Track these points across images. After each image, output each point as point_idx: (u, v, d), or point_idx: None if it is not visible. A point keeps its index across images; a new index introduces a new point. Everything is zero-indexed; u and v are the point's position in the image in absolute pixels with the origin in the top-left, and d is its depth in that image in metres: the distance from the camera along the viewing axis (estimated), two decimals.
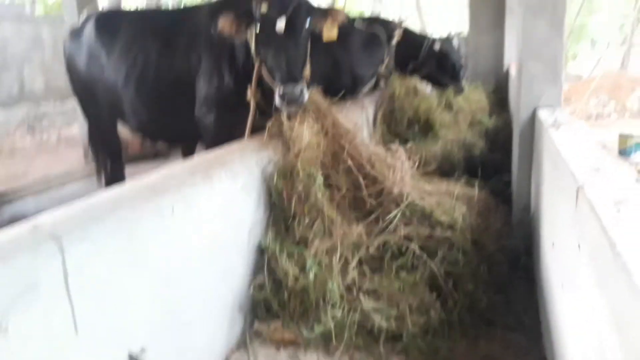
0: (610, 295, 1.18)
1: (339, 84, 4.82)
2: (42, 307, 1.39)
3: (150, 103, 3.62)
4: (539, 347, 2.27)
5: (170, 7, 6.24)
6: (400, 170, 2.66)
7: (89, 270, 1.55)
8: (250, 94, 2.94)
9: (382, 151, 2.87)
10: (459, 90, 5.49)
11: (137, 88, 3.58)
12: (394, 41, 5.00)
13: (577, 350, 1.57)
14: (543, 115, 2.80)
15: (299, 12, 2.75)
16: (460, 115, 5.69)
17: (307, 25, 2.82)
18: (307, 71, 2.86)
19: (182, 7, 4.08)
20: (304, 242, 2.54)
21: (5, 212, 5.58)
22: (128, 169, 4.86)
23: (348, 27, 4.99)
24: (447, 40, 5.95)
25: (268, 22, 2.71)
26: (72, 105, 12.16)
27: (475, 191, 3.04)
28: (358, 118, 4.50)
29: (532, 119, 3.03)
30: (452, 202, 2.76)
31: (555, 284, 2.05)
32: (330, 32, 2.98)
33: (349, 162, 2.69)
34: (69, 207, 1.68)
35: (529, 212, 3.16)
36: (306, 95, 2.73)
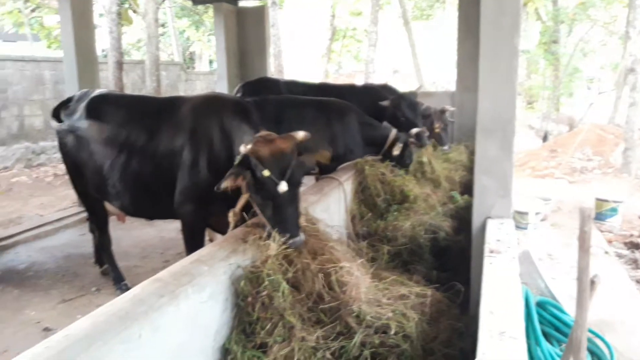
0: None
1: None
2: None
3: (133, 190, 3.88)
4: None
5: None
6: (356, 287, 2.91)
7: None
8: (233, 217, 3.19)
9: (346, 259, 3.11)
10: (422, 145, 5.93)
11: (121, 176, 3.85)
12: None
13: None
14: (491, 228, 3.07)
15: (297, 172, 3.00)
16: (436, 184, 5.99)
17: (302, 179, 3.08)
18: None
19: (167, 97, 4.41)
20: (264, 347, 2.77)
21: None
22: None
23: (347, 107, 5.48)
24: (401, 97, 6.36)
25: (269, 185, 2.92)
26: None
27: (428, 292, 3.28)
28: (336, 194, 4.79)
29: (484, 227, 3.30)
30: (405, 311, 3.00)
31: None
32: (323, 160, 3.33)
33: (319, 279, 2.94)
34: (49, 344, 1.92)
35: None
36: (303, 239, 2.99)
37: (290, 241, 2.91)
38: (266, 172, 2.90)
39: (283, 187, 2.88)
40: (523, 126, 22.20)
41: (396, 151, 5.42)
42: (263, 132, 3.19)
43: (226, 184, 3.00)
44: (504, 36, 3.22)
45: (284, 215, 2.95)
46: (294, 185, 2.97)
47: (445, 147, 7.47)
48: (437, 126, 7.39)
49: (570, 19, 24.26)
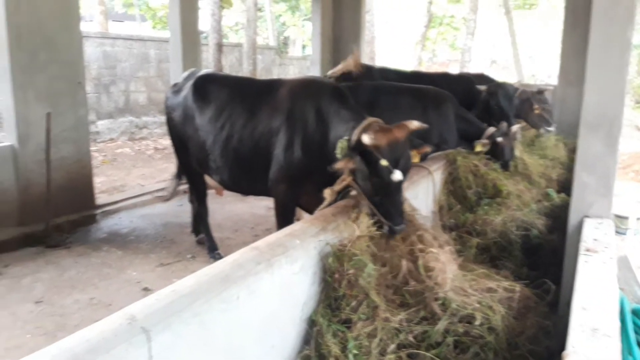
0: None
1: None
2: None
3: (232, 166, 4.11)
4: None
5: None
6: (442, 273, 2.92)
7: (168, 355, 1.98)
8: (329, 194, 3.30)
9: (434, 246, 3.13)
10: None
11: (221, 152, 4.08)
12: None
13: None
14: (588, 227, 2.96)
15: (408, 160, 3.08)
16: (530, 180, 5.78)
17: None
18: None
19: (267, 79, 4.58)
20: (348, 323, 2.87)
21: (104, 227, 6.34)
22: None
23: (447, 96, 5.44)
24: (498, 86, 6.15)
25: (384, 173, 2.96)
26: None
27: (517, 288, 3.22)
28: (425, 183, 4.78)
29: (580, 226, 3.19)
30: (492, 303, 2.97)
31: None
32: (414, 160, 3.30)
33: (404, 264, 2.99)
34: (158, 296, 2.12)
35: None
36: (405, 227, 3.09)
37: (398, 227, 3.00)
38: (384, 162, 2.94)
39: (398, 175, 2.93)
40: (630, 127, 20.68)
41: (479, 148, 5.27)
42: (372, 119, 3.22)
43: (340, 165, 3.10)
44: (616, 28, 3.07)
45: (392, 203, 3.03)
46: (404, 173, 3.03)
47: (551, 129, 7.20)
48: (537, 107, 7.12)
49: None
